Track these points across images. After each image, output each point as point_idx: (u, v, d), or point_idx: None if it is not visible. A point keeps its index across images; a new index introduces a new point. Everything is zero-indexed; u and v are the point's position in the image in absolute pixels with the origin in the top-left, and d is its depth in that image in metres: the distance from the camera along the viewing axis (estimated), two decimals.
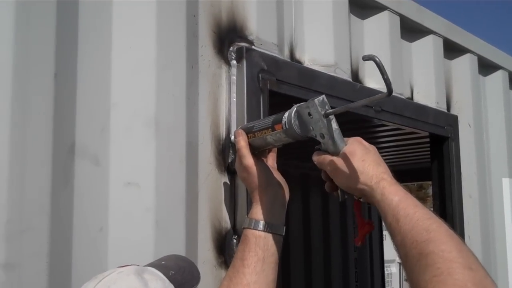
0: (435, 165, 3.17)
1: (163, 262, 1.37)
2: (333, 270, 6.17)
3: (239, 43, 2.04)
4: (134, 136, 1.68)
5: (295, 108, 1.50)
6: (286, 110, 1.55)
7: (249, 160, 1.64)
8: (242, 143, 1.66)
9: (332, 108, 1.45)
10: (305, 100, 2.23)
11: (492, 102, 3.68)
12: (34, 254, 1.41)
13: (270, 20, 2.18)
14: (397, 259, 12.77)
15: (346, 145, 1.48)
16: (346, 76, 2.51)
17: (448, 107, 3.28)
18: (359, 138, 1.53)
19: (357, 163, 1.44)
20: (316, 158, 1.56)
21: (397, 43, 2.90)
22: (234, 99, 1.99)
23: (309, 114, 1.46)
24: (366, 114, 2.55)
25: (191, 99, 1.84)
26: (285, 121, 1.51)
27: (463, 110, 3.34)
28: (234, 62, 2.01)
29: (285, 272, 5.51)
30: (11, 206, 1.39)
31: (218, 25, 2.00)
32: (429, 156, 3.30)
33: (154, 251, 1.66)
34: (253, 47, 2.07)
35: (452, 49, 3.37)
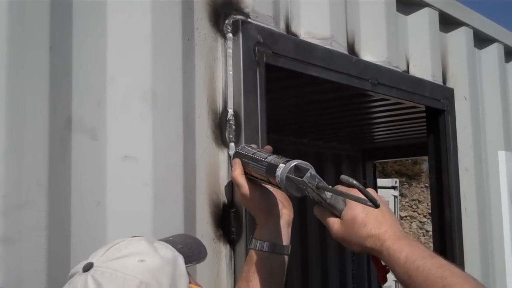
0: (431, 138, 3.17)
1: (170, 238, 1.40)
2: (328, 246, 6.19)
3: (235, 16, 2.02)
4: (131, 110, 1.67)
5: (285, 173, 1.47)
6: (278, 159, 1.53)
7: (246, 188, 1.63)
8: (236, 173, 1.66)
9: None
10: (301, 74, 2.24)
11: (487, 75, 3.67)
12: (32, 228, 1.41)
13: None
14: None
15: (345, 204, 1.47)
16: (342, 49, 2.50)
17: (444, 80, 3.28)
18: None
19: (358, 229, 1.43)
20: (318, 215, 1.55)
21: (392, 16, 2.89)
22: (231, 72, 1.98)
23: (302, 184, 1.45)
24: (362, 87, 2.54)
25: (187, 72, 1.83)
26: (278, 180, 1.49)
27: (458, 83, 3.33)
28: (230, 35, 2.00)
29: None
30: (8, 180, 1.38)
31: None
32: (424, 131, 3.30)
33: (152, 225, 1.66)
34: (249, 19, 2.06)
35: (447, 22, 3.35)
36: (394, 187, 12.96)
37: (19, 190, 1.40)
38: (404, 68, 2.99)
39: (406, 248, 1.36)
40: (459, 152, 3.18)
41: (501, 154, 3.60)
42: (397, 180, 13.80)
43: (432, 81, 3.09)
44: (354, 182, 1.35)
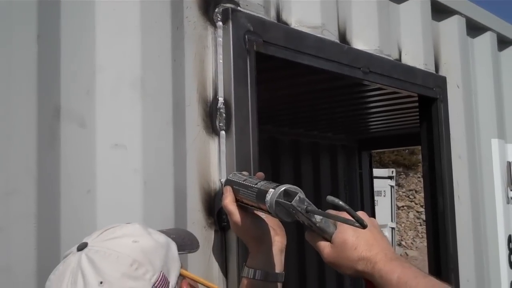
0: (424, 126, 3.18)
1: (164, 230, 1.41)
2: None
3: (224, 4, 2.02)
4: (120, 98, 1.68)
5: (275, 198, 1.48)
6: (268, 185, 1.54)
7: (237, 216, 1.63)
8: (227, 200, 1.66)
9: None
10: (292, 62, 2.24)
11: (480, 63, 3.67)
12: (21, 216, 1.41)
13: None
14: (390, 224, 12.84)
15: (335, 227, 1.48)
16: (334, 37, 2.50)
17: (437, 68, 3.28)
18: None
19: (349, 253, 1.44)
20: (309, 240, 1.55)
21: (384, 4, 2.89)
22: (221, 61, 1.98)
23: (291, 208, 1.45)
24: (354, 75, 2.54)
25: (177, 60, 1.83)
26: (268, 206, 1.49)
27: (451, 72, 3.33)
28: (220, 23, 1.99)
29: None
30: None
31: None
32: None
33: (143, 212, 1.67)
34: (239, 8, 2.05)
35: (440, 11, 3.35)
36: (390, 177, 13.00)
37: (7, 178, 1.40)
38: (396, 56, 2.99)
39: (398, 269, 1.37)
40: (452, 140, 3.19)
41: (494, 142, 3.60)
42: (394, 170, 13.84)
43: (425, 69, 3.09)
44: (340, 202, 1.34)
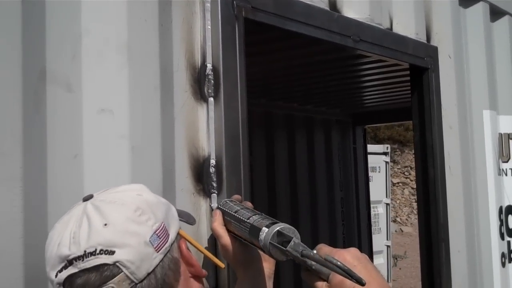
0: (415, 96, 3.17)
1: None
2: (319, 209, 6.22)
3: None
4: (107, 63, 1.67)
5: (269, 240, 1.47)
6: (261, 220, 1.54)
7: (225, 239, 1.64)
8: (216, 223, 1.67)
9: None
10: (281, 29, 2.22)
11: (472, 34, 3.64)
12: (6, 179, 1.41)
13: None
14: (384, 200, 12.92)
15: None
16: (324, 4, 2.48)
17: (428, 38, 3.26)
18: (344, 254, 1.46)
19: None
20: (306, 279, 1.51)
21: None
22: (209, 27, 1.97)
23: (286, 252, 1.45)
24: (344, 43, 2.52)
25: (164, 25, 1.82)
26: (262, 244, 1.49)
27: (443, 42, 3.32)
28: None
29: (272, 212, 5.54)
30: None
31: None
32: None
33: (130, 178, 1.66)
34: None
35: None
36: (385, 153, 13.02)
37: None
38: (387, 25, 2.96)
39: None
40: (443, 110, 3.18)
41: (486, 113, 3.59)
42: (388, 146, 13.84)
43: (416, 39, 3.07)
44: (339, 263, 1.33)
